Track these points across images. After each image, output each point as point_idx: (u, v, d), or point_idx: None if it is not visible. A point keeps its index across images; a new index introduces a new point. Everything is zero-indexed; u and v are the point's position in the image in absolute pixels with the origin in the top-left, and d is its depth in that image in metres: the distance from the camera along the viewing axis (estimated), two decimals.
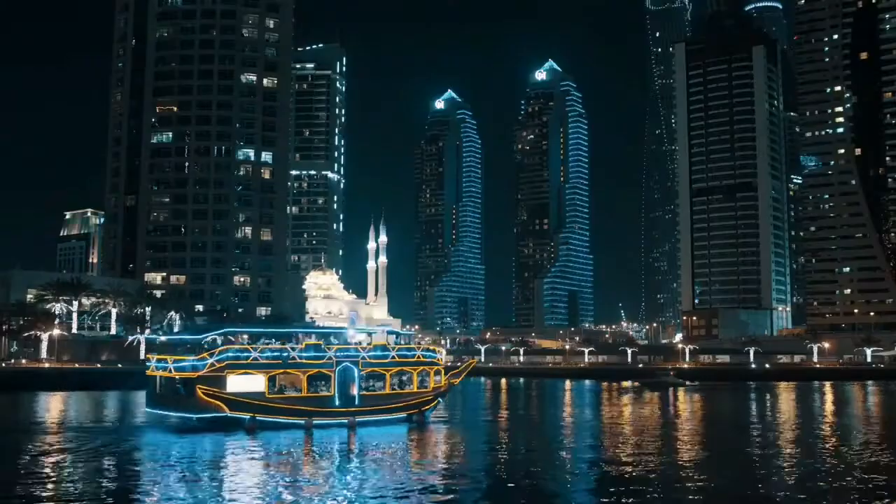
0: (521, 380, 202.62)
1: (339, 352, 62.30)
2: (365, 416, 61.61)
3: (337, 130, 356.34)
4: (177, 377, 58.86)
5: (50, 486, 37.17)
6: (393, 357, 64.78)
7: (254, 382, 58.43)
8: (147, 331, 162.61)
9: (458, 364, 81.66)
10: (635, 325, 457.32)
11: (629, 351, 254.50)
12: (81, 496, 34.90)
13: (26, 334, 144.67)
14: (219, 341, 60.93)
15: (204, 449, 50.28)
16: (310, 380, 60.29)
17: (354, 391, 61.85)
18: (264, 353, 59.74)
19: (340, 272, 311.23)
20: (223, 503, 33.85)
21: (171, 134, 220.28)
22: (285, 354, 60.39)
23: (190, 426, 57.79)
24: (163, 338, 70.57)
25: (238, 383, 58.01)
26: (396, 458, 48.35)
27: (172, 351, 61.96)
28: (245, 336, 66.47)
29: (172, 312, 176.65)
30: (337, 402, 61.02)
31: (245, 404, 57.41)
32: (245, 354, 59.34)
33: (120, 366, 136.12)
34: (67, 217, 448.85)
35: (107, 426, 66.24)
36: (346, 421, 60.59)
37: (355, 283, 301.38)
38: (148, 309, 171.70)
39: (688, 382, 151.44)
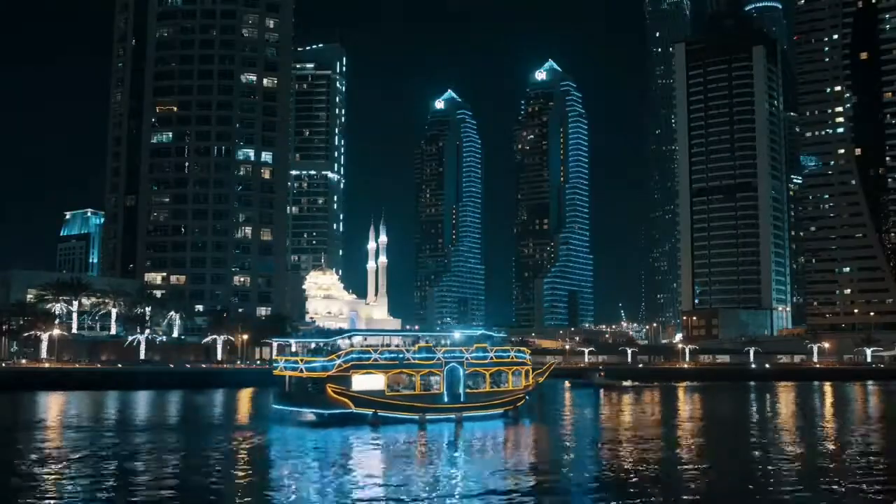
0: None
1: (446, 353, 68.88)
2: (469, 411, 67.98)
3: (337, 130, 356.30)
4: (308, 377, 64.72)
5: (242, 473, 43.14)
6: (491, 358, 71.63)
7: (375, 381, 64.87)
8: (147, 331, 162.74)
9: (541, 365, 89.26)
10: (635, 325, 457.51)
11: (629, 351, 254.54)
12: (252, 483, 39.92)
13: (26, 334, 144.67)
14: (342, 344, 67.30)
15: (335, 440, 55.39)
16: (422, 379, 66.99)
17: (460, 389, 68.50)
18: (383, 355, 66.21)
19: (340, 272, 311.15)
20: (356, 487, 38.18)
21: (171, 134, 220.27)
22: (401, 356, 67.05)
23: (321, 421, 63.67)
24: (292, 341, 76.96)
25: (362, 382, 64.34)
26: (499, 449, 53.58)
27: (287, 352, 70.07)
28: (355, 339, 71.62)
29: (172, 312, 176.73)
30: (445, 399, 67.55)
31: (368, 401, 63.93)
32: (367, 356, 65.51)
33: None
34: (67, 217, 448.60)
35: (242, 422, 72.80)
36: (453, 416, 66.93)
37: (355, 283, 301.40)
38: (148, 309, 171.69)
39: (626, 383, 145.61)
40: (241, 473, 42.72)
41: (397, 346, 69.11)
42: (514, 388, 72.42)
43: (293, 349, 72.85)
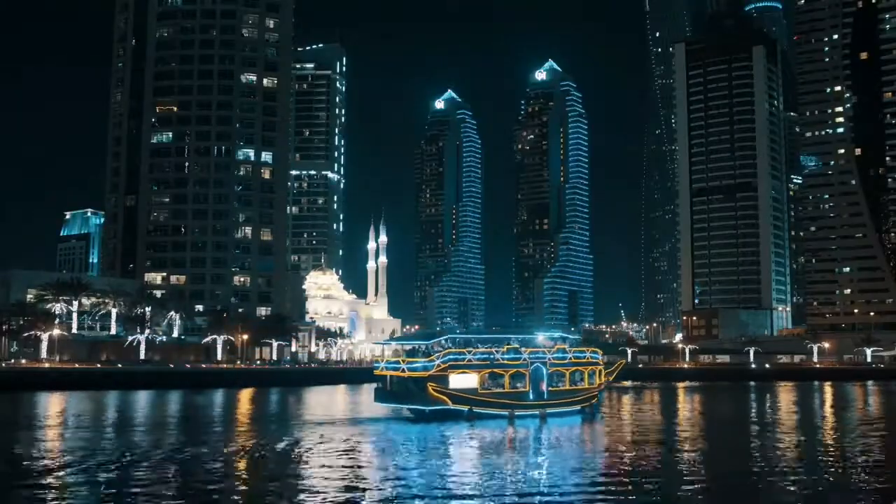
0: None
1: (531, 354, 73.93)
2: (551, 408, 73.34)
3: (337, 130, 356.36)
4: (410, 376, 69.67)
5: (363, 459, 47.71)
6: (570, 359, 77.42)
7: (470, 380, 69.99)
8: (147, 331, 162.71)
9: (612, 364, 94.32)
10: (635, 325, 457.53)
11: (629, 351, 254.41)
12: (375, 468, 44.34)
13: (26, 334, 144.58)
14: (433, 347, 73.11)
15: (435, 433, 59.76)
16: (510, 378, 71.75)
17: (543, 387, 73.46)
18: (476, 356, 71.63)
19: (340, 272, 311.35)
20: (455, 473, 42.30)
21: (171, 134, 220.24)
22: (492, 357, 72.18)
23: (422, 416, 68.50)
24: (393, 343, 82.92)
25: (458, 381, 69.50)
26: (580, 443, 58.51)
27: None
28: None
29: (172, 312, 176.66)
30: (531, 397, 72.59)
31: (464, 398, 69.21)
32: (462, 357, 70.86)
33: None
34: (67, 217, 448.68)
35: (340, 418, 75.77)
36: (537, 412, 72.05)
37: (355, 283, 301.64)
38: (148, 309, 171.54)
39: (626, 384, 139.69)
40: (363, 460, 47.60)
41: (487, 348, 74.32)
42: (590, 387, 78.04)
43: (393, 349, 78.79)
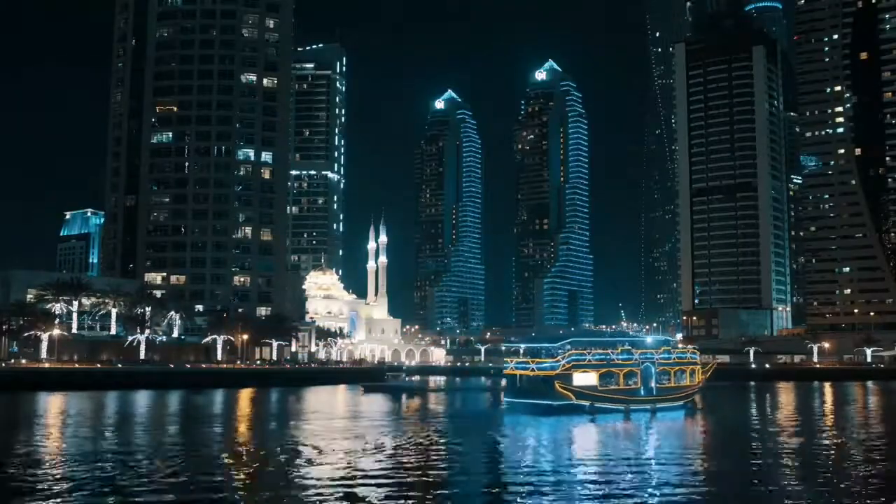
0: None
1: (641, 355, 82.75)
2: (659, 403, 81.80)
3: (337, 130, 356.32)
4: (539, 375, 78.65)
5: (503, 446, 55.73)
6: (674, 359, 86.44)
7: (590, 378, 78.77)
8: (147, 331, 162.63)
9: (706, 365, 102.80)
10: (635, 325, 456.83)
11: (521, 349, 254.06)
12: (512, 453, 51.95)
13: (26, 334, 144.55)
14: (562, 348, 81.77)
15: (564, 425, 68.10)
16: (624, 376, 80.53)
17: (653, 384, 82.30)
18: (595, 357, 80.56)
19: (340, 272, 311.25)
20: (580, 457, 50.34)
21: (171, 134, 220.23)
22: (608, 357, 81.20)
23: (549, 411, 75.74)
24: (521, 346, 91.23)
25: (580, 379, 78.48)
26: (687, 431, 67.30)
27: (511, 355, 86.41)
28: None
29: (172, 312, 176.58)
30: (642, 393, 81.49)
31: (586, 394, 77.91)
32: (583, 357, 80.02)
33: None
34: (67, 217, 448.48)
35: (475, 412, 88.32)
36: (648, 407, 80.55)
37: (355, 283, 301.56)
38: (148, 309, 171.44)
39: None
40: (503, 447, 55.38)
41: (604, 349, 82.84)
42: (690, 384, 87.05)
43: (522, 352, 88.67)
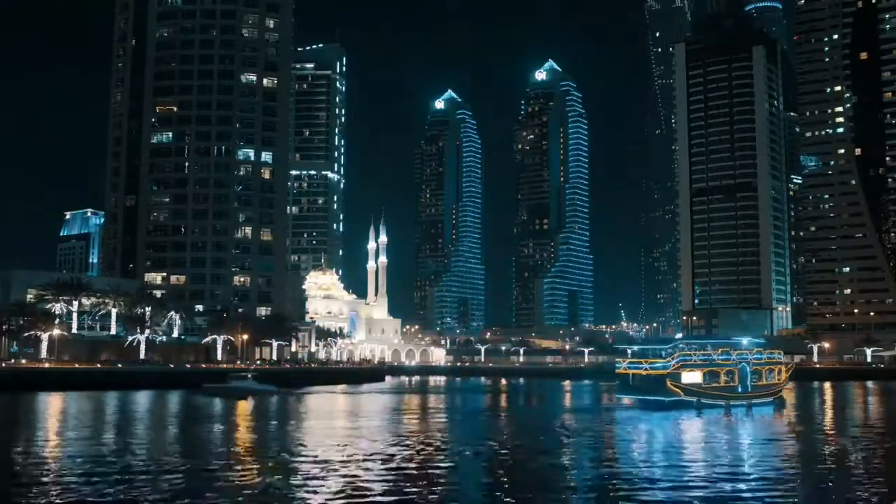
0: (522, 379, 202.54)
1: (738, 356, 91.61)
2: (754, 400, 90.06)
3: (337, 130, 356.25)
4: (651, 374, 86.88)
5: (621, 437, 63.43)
6: (765, 359, 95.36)
7: (696, 377, 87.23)
8: (147, 331, 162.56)
9: (787, 365, 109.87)
10: (635, 325, 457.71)
11: (629, 351, 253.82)
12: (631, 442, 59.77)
13: (26, 334, 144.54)
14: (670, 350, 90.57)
15: (674, 418, 75.43)
16: (725, 374, 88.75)
17: (748, 382, 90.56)
18: (699, 357, 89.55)
19: (340, 272, 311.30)
20: (688, 443, 59.11)
21: (171, 134, 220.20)
22: (711, 357, 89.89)
23: (660, 406, 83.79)
24: (635, 347, 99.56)
25: (688, 377, 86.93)
26: (776, 424, 75.48)
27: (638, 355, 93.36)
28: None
29: (172, 312, 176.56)
30: (739, 390, 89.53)
31: (693, 391, 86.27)
32: (689, 358, 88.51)
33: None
34: (67, 217, 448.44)
35: (586, 407, 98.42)
36: (744, 403, 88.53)
37: (355, 283, 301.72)
38: (148, 309, 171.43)
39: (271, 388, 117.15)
40: (620, 438, 62.44)
41: (707, 350, 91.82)
42: (778, 382, 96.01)
43: (636, 351, 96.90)
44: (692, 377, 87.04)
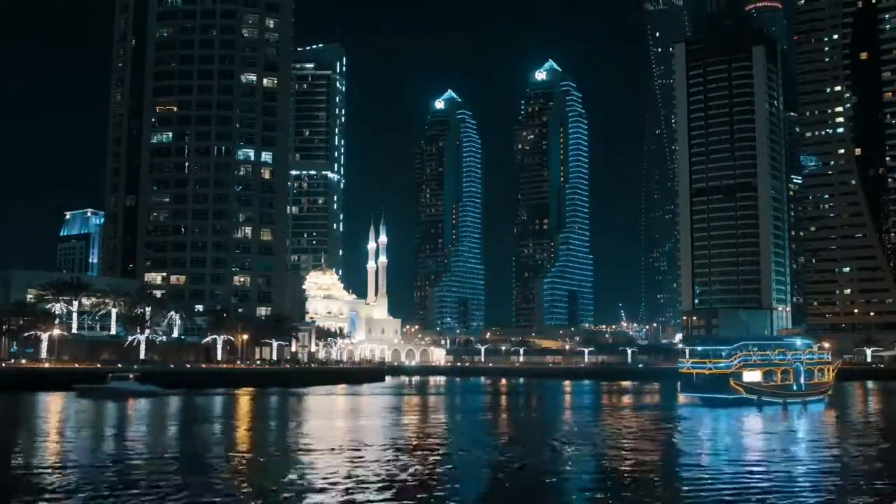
0: (522, 379, 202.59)
1: (793, 356, 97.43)
2: (807, 397, 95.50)
3: (337, 130, 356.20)
4: (715, 373, 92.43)
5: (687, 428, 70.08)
6: (815, 359, 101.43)
7: (756, 376, 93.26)
8: (147, 331, 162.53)
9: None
10: (635, 325, 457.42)
11: (629, 351, 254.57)
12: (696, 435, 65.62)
13: (26, 334, 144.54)
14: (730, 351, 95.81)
15: (737, 414, 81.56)
16: (781, 374, 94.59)
17: (802, 381, 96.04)
18: (758, 357, 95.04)
19: (340, 272, 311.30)
20: (750, 433, 66.94)
21: (171, 134, 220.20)
22: (769, 357, 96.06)
23: (723, 403, 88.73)
24: (699, 348, 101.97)
25: (749, 376, 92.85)
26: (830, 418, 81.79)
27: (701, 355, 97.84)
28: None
29: (172, 312, 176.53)
30: (794, 388, 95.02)
31: (753, 389, 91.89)
32: (749, 358, 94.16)
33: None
34: (67, 217, 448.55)
35: (654, 405, 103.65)
36: (799, 400, 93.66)
37: (355, 283, 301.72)
38: (148, 309, 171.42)
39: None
40: (686, 429, 69.32)
41: (764, 351, 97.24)
42: (827, 381, 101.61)
43: (698, 351, 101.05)
44: (752, 376, 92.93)
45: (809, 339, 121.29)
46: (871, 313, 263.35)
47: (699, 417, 79.33)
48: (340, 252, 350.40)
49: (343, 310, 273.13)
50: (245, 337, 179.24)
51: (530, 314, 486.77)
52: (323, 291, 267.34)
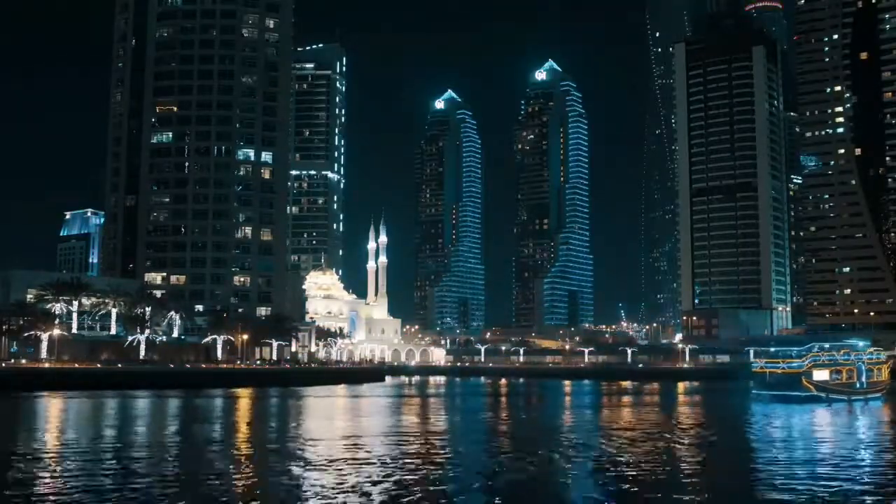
0: (522, 379, 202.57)
1: (855, 356, 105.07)
2: (868, 394, 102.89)
3: (337, 130, 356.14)
4: (787, 373, 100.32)
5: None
6: (875, 359, 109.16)
7: (824, 375, 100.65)
8: (147, 331, 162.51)
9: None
10: (635, 325, 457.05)
11: (629, 351, 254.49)
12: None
13: (26, 334, 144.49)
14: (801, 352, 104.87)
15: (808, 410, 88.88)
16: (846, 373, 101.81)
17: (864, 379, 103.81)
18: (827, 357, 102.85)
19: (340, 272, 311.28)
20: (820, 425, 74.63)
21: (171, 134, 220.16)
22: (835, 358, 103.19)
23: (796, 400, 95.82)
24: (772, 349, 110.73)
25: (818, 375, 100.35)
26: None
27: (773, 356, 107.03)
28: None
29: (172, 312, 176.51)
30: (857, 386, 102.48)
31: (823, 387, 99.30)
32: (818, 359, 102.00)
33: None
34: (67, 217, 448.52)
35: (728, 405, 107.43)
36: (862, 397, 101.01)
37: (355, 283, 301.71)
38: (148, 309, 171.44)
39: None
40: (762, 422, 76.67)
41: (832, 351, 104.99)
42: (885, 380, 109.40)
43: (770, 352, 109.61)
44: (821, 375, 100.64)
45: (867, 339, 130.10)
46: (871, 313, 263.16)
47: (787, 412, 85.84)
48: (340, 252, 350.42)
49: (343, 310, 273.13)
50: (245, 337, 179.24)
51: (530, 314, 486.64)
52: (323, 291, 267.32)
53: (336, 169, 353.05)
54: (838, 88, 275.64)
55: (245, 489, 38.53)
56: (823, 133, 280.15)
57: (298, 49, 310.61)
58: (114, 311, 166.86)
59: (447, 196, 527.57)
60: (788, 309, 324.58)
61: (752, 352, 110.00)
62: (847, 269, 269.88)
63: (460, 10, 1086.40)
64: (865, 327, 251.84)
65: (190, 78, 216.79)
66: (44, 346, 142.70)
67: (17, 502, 33.89)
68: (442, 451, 52.68)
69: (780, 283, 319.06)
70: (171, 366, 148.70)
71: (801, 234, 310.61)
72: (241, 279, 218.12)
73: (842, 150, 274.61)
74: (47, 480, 39.32)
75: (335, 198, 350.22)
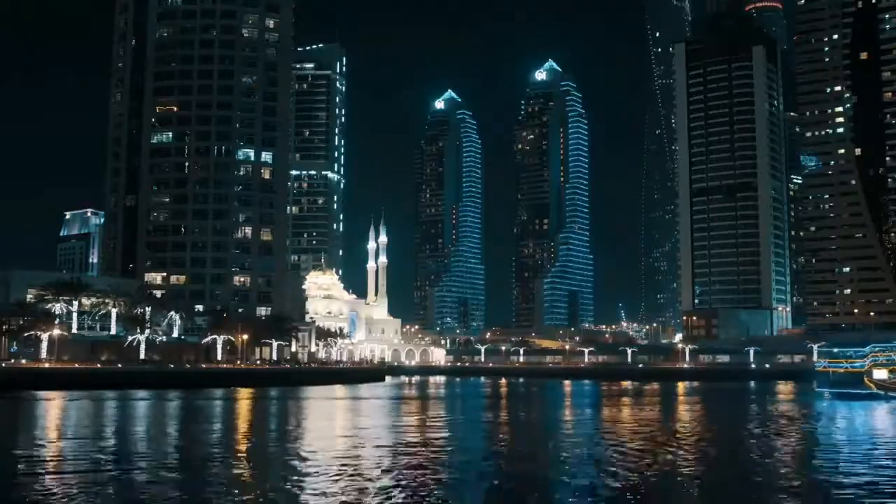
0: (522, 379, 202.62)
1: None
2: None
3: (337, 130, 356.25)
4: (850, 372, 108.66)
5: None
6: None
7: (883, 374, 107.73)
8: (147, 331, 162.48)
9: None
10: (635, 325, 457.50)
11: (629, 351, 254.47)
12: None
13: (26, 334, 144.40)
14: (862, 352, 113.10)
15: (868, 406, 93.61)
16: None
17: None
18: (886, 357, 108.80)
19: (340, 272, 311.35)
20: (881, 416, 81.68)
21: (171, 134, 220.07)
22: (893, 358, 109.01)
23: (858, 398, 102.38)
24: (835, 349, 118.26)
25: (878, 374, 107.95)
26: None
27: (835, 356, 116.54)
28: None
29: (172, 312, 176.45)
30: None
31: (882, 385, 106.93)
32: (878, 359, 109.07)
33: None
34: (67, 217, 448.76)
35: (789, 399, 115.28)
36: None
37: (355, 283, 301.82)
38: (148, 309, 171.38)
39: None
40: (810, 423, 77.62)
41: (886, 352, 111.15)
42: None
43: (834, 353, 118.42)
44: (881, 374, 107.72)
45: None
46: (871, 313, 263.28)
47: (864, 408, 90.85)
48: (340, 252, 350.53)
49: (343, 310, 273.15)
50: (245, 337, 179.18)
51: (530, 314, 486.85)
52: (323, 291, 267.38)
53: (336, 169, 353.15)
54: (838, 88, 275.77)
55: (245, 489, 38.51)
56: (823, 133, 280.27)
57: (298, 49, 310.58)
58: (114, 311, 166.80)
59: (447, 196, 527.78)
60: (788, 309, 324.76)
61: (816, 351, 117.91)
62: (847, 269, 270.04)
63: (460, 10, 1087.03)
64: (865, 327, 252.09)
65: (190, 78, 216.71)
66: (44, 346, 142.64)
67: (17, 502, 33.88)
68: (442, 452, 52.68)
69: (780, 282, 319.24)
70: (171, 366, 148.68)
71: (801, 234, 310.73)
72: (241, 279, 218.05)
73: (842, 150, 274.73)
74: (47, 480, 39.32)
75: (335, 198, 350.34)
